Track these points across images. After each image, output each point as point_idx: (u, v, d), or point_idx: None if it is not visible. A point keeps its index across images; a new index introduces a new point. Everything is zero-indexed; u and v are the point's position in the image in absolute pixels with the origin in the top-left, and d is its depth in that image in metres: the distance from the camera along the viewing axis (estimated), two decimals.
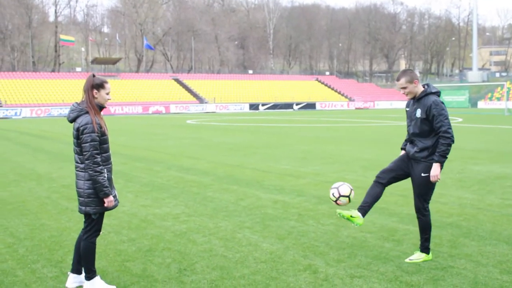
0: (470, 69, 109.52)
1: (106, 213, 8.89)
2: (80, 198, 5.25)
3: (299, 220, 8.25)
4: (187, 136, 27.39)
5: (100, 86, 5.25)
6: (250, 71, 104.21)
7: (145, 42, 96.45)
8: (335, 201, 6.42)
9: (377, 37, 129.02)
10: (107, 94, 5.32)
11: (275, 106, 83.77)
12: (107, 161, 5.28)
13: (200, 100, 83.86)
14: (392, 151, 18.10)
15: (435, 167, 5.91)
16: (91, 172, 5.11)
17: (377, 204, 9.25)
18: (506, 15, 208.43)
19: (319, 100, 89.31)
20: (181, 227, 7.90)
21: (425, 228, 6.16)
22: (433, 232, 7.29)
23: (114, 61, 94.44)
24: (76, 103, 5.28)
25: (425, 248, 6.19)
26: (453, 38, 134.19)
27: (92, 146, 5.10)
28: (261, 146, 20.79)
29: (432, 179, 5.93)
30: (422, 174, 6.01)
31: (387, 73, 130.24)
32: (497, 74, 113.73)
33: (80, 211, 5.29)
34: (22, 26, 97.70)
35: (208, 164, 15.32)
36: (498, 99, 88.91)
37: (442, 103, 5.94)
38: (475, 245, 6.74)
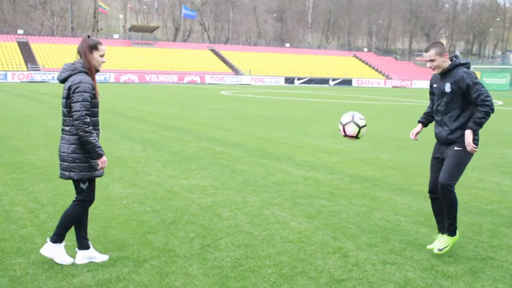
0: None
1: (132, 181, 8.74)
2: (64, 163, 4.93)
3: (331, 199, 7.89)
4: (220, 107, 27.11)
5: (93, 47, 4.95)
6: (287, 45, 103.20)
7: (184, 11, 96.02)
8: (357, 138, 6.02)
9: (419, 14, 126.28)
10: (101, 56, 5.00)
11: (310, 81, 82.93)
12: (94, 126, 4.95)
13: (236, 71, 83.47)
14: (428, 132, 17.54)
15: (468, 134, 5.29)
16: (81, 133, 4.78)
17: (412, 186, 8.88)
18: None
19: (355, 77, 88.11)
20: (207, 200, 7.63)
21: (451, 207, 5.45)
22: (472, 220, 6.91)
23: (152, 29, 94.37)
24: (69, 63, 5.01)
25: (452, 231, 5.56)
26: (497, 19, 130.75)
27: (83, 106, 4.78)
28: (294, 121, 20.39)
29: (468, 147, 5.29)
30: (456, 148, 5.42)
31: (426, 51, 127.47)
32: None
33: (63, 176, 4.97)
34: None
35: (239, 136, 15.01)
36: None
37: (474, 73, 5.38)
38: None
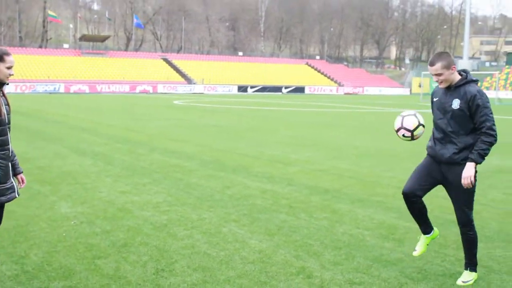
0: (461, 57, 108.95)
1: (81, 199, 8.21)
2: None
3: (290, 213, 7.57)
4: (174, 117, 26.58)
5: None
6: (240, 53, 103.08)
7: (135, 20, 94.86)
8: (411, 138, 5.27)
9: (369, 23, 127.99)
10: (8, 68, 4.33)
11: (264, 89, 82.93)
12: (1, 146, 4.39)
13: (189, 80, 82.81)
14: (384, 140, 17.49)
15: (469, 167, 4.77)
16: None
17: (372, 197, 8.64)
18: (499, 5, 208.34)
19: (308, 84, 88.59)
20: (161, 218, 7.20)
21: (473, 243, 5.06)
22: (440, 231, 6.67)
23: (103, 39, 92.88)
24: None
25: (473, 265, 5.10)
26: (445, 26, 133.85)
27: None
28: (249, 130, 20.08)
29: (463, 181, 4.78)
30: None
31: (378, 59, 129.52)
32: (487, 64, 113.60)
33: None
34: (9, 0, 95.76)
35: (194, 147, 14.60)
36: (487, 88, 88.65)
37: (486, 95, 4.84)
38: (483, 247, 6.10)
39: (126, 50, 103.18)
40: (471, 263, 5.10)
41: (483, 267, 5.46)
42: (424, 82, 78.14)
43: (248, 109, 36.02)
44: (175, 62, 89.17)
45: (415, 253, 5.38)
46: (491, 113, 4.78)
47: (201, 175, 10.42)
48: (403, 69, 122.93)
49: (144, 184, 9.47)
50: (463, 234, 5.06)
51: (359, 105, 46.00)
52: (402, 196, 5.19)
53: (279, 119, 26.76)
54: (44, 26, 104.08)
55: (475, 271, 5.10)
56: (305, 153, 13.71)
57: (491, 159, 12.92)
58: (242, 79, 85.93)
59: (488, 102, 4.79)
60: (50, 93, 67.09)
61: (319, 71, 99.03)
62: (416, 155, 10.11)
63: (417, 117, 5.23)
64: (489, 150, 4.77)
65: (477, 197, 8.75)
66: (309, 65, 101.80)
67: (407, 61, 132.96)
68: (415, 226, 6.61)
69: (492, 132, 4.74)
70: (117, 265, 5.36)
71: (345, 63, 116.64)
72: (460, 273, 5.26)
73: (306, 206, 8.01)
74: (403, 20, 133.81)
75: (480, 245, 6.09)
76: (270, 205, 8.02)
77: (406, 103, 50.75)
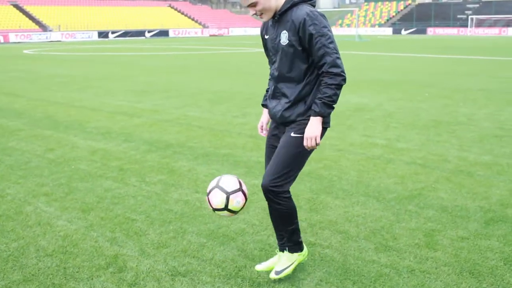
0: None
1: None
2: None
3: (118, 178, 6.28)
4: (17, 68, 23.82)
5: None
6: None
7: None
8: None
9: None
10: None
11: (126, 34, 79.20)
12: None
13: (44, 28, 77.14)
14: (244, 82, 16.49)
15: (314, 123, 3.42)
16: None
17: (219, 150, 7.50)
18: None
19: (172, 27, 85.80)
20: None
21: (288, 218, 3.63)
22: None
23: None
24: None
25: (295, 245, 3.76)
26: None
27: None
28: (100, 78, 18.26)
29: (307, 142, 3.44)
30: (293, 134, 3.53)
31: None
32: (347, 1, 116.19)
33: None
34: None
35: (27, 102, 12.72)
36: (348, 25, 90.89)
37: (323, 16, 3.40)
38: (339, 205, 5.20)
39: None
40: (291, 243, 3.74)
41: (339, 233, 4.53)
42: None
43: (104, 55, 33.56)
44: (27, 8, 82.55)
45: (258, 267, 3.86)
46: (331, 42, 3.35)
47: (24, 136, 8.79)
48: None
49: None
50: (270, 206, 3.62)
51: (223, 46, 44.78)
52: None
53: (135, 64, 24.92)
54: None
55: (299, 251, 3.78)
56: (155, 102, 12.36)
57: (350, 97, 12.32)
58: (103, 25, 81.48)
59: (326, 26, 3.37)
60: None
61: (182, 13, 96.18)
62: None
63: (221, 186, 3.65)
64: (337, 95, 3.38)
65: (334, 141, 7.99)
66: (172, 7, 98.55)
67: None
68: None
69: (336, 70, 3.34)
70: None
71: (209, 4, 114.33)
72: (314, 244, 4.30)
73: (140, 167, 6.75)
74: None
75: (336, 202, 5.20)
76: (96, 169, 6.68)
77: None
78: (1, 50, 43.67)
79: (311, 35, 3.34)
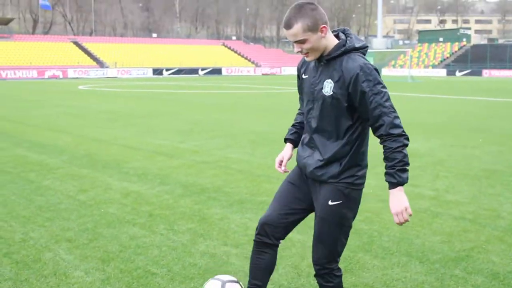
0: (375, 36, 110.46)
1: None
2: None
3: (146, 225, 5.98)
4: (66, 104, 24.16)
5: None
6: (155, 35, 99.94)
7: (41, 1, 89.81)
8: None
9: (285, 2, 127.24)
10: None
11: (179, 71, 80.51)
12: None
13: (101, 64, 79.27)
14: (289, 122, 16.17)
15: (397, 194, 3.00)
16: None
17: (256, 197, 7.03)
18: None
19: (225, 66, 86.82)
20: None
21: None
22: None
23: (7, 22, 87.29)
24: None
25: None
26: (359, 5, 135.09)
27: None
28: (145, 115, 18.28)
29: (396, 219, 3.01)
30: (330, 203, 3.14)
31: None
32: (401, 42, 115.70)
33: None
34: None
35: (71, 139, 12.72)
36: (401, 66, 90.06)
37: (376, 70, 3.04)
38: (378, 266, 4.73)
39: (33, 33, 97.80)
40: None
41: None
42: None
43: (156, 92, 33.95)
44: (86, 45, 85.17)
45: None
46: (388, 100, 2.99)
47: (60, 174, 8.65)
48: None
49: None
50: (319, 284, 3.36)
51: (274, 85, 44.79)
52: (255, 240, 3.44)
53: (184, 102, 25.00)
54: None
55: None
56: (197, 142, 12.15)
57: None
58: (157, 62, 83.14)
59: (381, 83, 2.99)
60: None
61: (236, 52, 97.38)
62: None
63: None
64: (407, 156, 2.99)
65: (379, 190, 7.47)
66: (226, 46, 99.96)
67: (347, 28, 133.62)
68: (303, 237, 5.25)
69: (397, 131, 3.00)
70: None
71: (262, 43, 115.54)
72: None
73: (170, 213, 6.44)
74: None
75: (374, 262, 4.75)
76: (125, 214, 6.40)
77: None
78: (58, 86, 44.87)
79: (363, 93, 2.97)
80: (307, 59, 3.16)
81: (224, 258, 4.94)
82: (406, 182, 2.99)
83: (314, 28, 2.99)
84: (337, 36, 3.16)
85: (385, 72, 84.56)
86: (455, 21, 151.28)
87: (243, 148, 11.32)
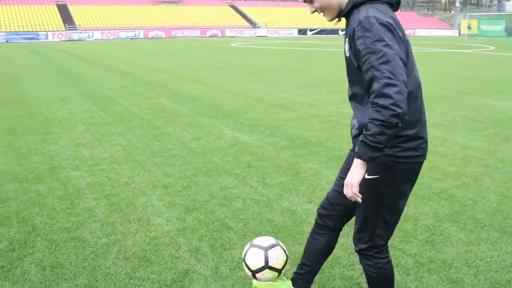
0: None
1: (20, 154, 6.21)
2: None
3: (241, 175, 5.43)
4: (217, 58, 24.22)
5: None
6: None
7: None
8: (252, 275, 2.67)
9: None
10: None
11: (322, 32, 78.74)
12: None
13: (253, 25, 79.64)
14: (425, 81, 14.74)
15: (354, 166, 2.15)
16: None
17: (347, 152, 6.19)
18: None
19: None
20: (83, 181, 5.24)
21: (380, 285, 2.50)
22: (411, 211, 4.40)
23: None
24: None
25: None
26: None
27: None
28: (279, 70, 17.65)
29: (344, 190, 2.20)
30: (366, 176, 2.27)
31: (428, 2, 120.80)
32: None
33: None
34: None
35: (207, 89, 12.49)
36: None
37: (385, 24, 2.11)
38: (463, 240, 3.80)
39: None
40: None
41: (449, 282, 3.20)
42: (472, 24, 72.01)
43: (295, 50, 33.14)
44: (242, 8, 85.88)
45: None
46: (385, 63, 2.02)
47: (183, 122, 8.37)
48: (453, 11, 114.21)
49: (111, 134, 7.52)
50: (364, 269, 2.51)
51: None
52: (316, 220, 2.72)
53: (317, 59, 24.00)
54: None
55: None
56: (317, 95, 11.35)
57: (509, 103, 10.13)
58: (303, 23, 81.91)
59: (383, 39, 2.06)
60: (131, 38, 65.95)
61: None
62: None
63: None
64: (384, 135, 2.04)
65: (484, 154, 6.31)
66: None
67: (457, 4, 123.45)
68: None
69: (383, 101, 2.01)
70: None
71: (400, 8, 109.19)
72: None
73: (268, 165, 5.84)
74: None
75: (460, 235, 3.84)
76: (225, 163, 5.91)
77: (451, 44, 46.25)
78: (214, 43, 45.55)
79: (358, 51, 2.13)
80: (328, 18, 2.41)
81: (303, 217, 4.26)
82: (369, 161, 2.12)
83: None
84: None
85: None
86: None
87: None
